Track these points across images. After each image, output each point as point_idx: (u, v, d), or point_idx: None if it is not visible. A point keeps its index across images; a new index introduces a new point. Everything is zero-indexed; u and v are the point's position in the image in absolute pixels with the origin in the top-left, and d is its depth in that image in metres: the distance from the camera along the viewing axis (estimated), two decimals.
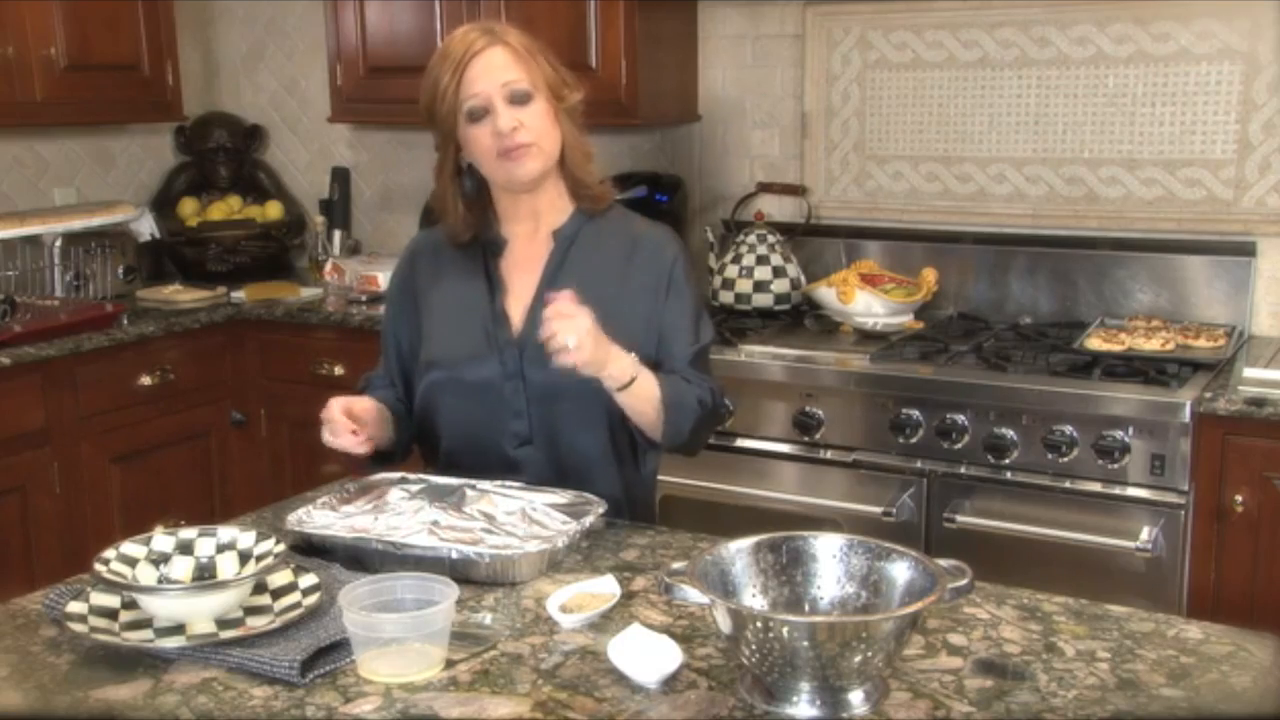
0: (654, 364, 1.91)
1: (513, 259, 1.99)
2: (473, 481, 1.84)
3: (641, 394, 1.84)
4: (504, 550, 1.63)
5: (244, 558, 1.56)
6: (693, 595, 1.31)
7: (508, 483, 1.85)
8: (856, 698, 1.29)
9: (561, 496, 1.82)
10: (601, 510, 1.78)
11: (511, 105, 1.87)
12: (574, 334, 1.72)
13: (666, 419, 1.87)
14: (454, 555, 1.62)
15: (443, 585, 1.43)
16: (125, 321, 3.40)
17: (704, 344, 1.99)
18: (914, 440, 2.74)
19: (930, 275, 3.20)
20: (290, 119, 4.35)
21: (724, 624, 1.30)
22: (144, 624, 1.48)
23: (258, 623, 1.47)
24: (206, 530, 1.60)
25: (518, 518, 1.74)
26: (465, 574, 1.60)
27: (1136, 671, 1.38)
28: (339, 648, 1.42)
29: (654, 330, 1.94)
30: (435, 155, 1.99)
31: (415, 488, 1.87)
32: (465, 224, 1.99)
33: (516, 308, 1.96)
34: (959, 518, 2.65)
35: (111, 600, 1.52)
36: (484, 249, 2.00)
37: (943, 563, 1.36)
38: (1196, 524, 2.54)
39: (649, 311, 1.95)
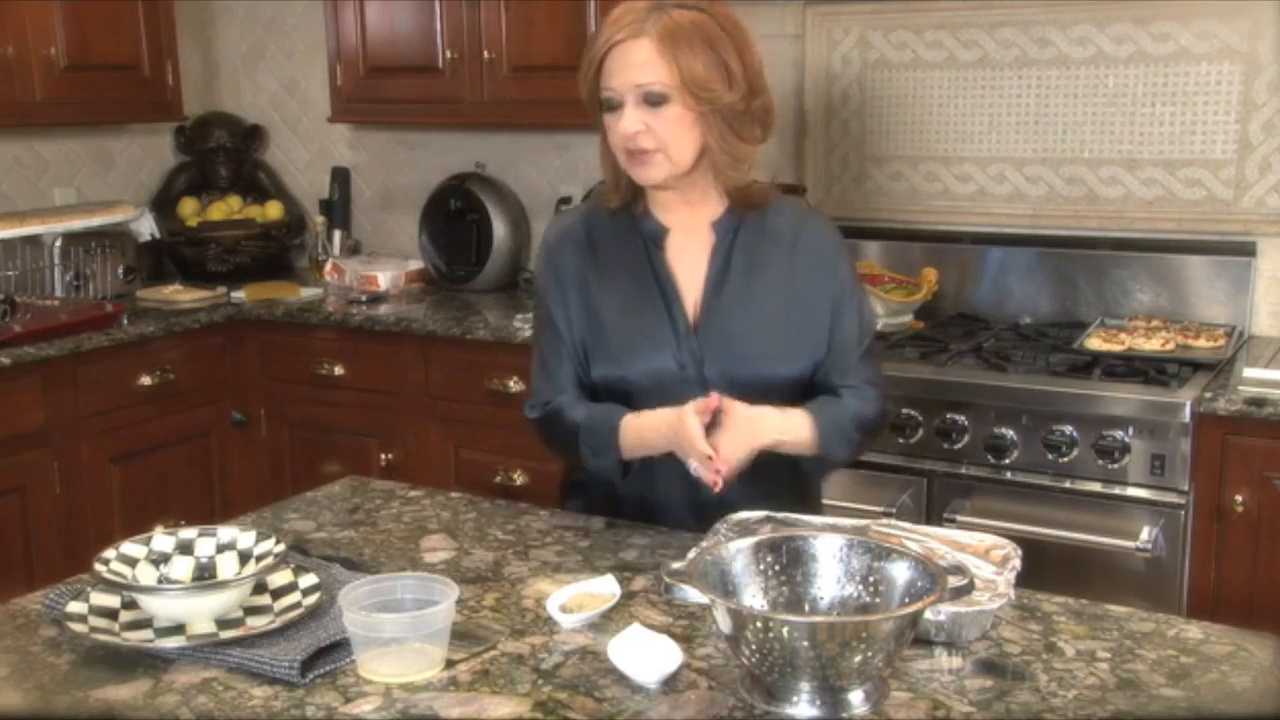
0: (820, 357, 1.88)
1: (675, 250, 1.89)
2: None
3: (790, 442, 1.80)
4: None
5: (244, 558, 1.56)
6: (693, 595, 1.31)
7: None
8: (856, 698, 1.29)
9: None
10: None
11: (643, 106, 1.77)
12: (740, 452, 1.71)
13: (823, 450, 1.83)
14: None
15: (443, 585, 1.43)
16: (125, 321, 3.40)
17: (870, 342, 1.94)
18: (914, 440, 2.74)
19: (930, 275, 3.19)
20: (290, 119, 4.35)
21: (724, 624, 1.30)
22: (144, 624, 1.48)
23: (258, 623, 1.47)
24: (206, 530, 1.60)
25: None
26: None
27: (1136, 671, 1.38)
28: (339, 648, 1.42)
29: (825, 326, 1.88)
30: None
31: None
32: (619, 190, 1.89)
33: (688, 301, 1.87)
34: (959, 518, 2.65)
35: (111, 600, 1.52)
36: (644, 240, 1.90)
37: (943, 563, 1.36)
38: (1196, 524, 2.54)
39: (818, 306, 1.88)
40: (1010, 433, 2.64)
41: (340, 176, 4.17)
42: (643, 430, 1.80)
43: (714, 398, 1.72)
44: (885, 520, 1.82)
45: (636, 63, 1.75)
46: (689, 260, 1.89)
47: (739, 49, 1.79)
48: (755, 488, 1.79)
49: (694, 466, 1.73)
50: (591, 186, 3.53)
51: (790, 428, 1.79)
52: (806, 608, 1.40)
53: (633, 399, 1.85)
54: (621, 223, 1.91)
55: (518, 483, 3.26)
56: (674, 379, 1.82)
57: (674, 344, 1.85)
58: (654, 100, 1.76)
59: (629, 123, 1.77)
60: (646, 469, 1.87)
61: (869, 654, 1.24)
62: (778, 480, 1.86)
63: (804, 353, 1.87)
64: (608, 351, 1.87)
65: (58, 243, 3.64)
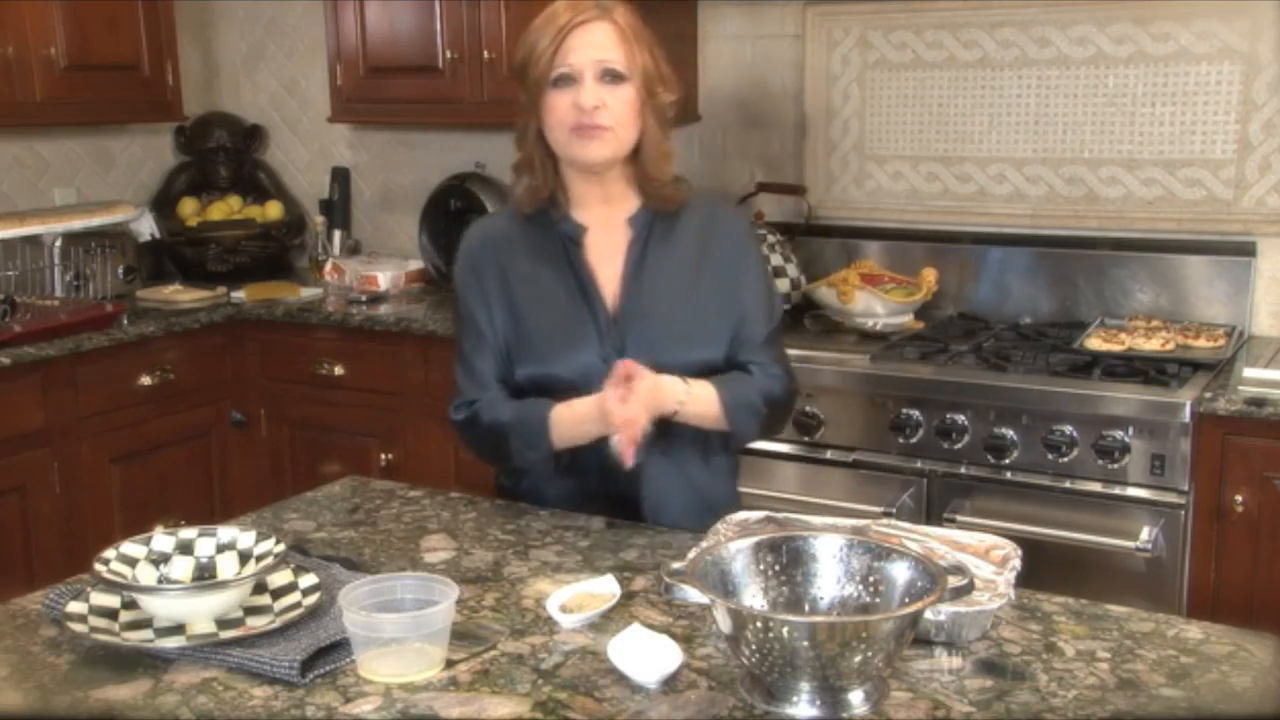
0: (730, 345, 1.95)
1: (594, 247, 1.95)
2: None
3: (695, 412, 1.86)
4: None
5: (244, 558, 1.56)
6: (693, 595, 1.31)
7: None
8: (856, 698, 1.29)
9: None
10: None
11: (601, 83, 1.84)
12: (643, 416, 1.76)
13: (730, 422, 1.89)
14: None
15: (443, 585, 1.43)
16: (125, 321, 3.40)
17: (776, 325, 2.00)
18: (914, 440, 2.74)
19: (930, 275, 3.19)
20: (290, 119, 4.35)
21: (724, 624, 1.30)
22: (144, 624, 1.48)
23: (258, 623, 1.47)
24: (206, 530, 1.60)
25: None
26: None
27: (1136, 671, 1.38)
28: (339, 648, 1.42)
29: (733, 316, 1.95)
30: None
31: None
32: (537, 194, 1.94)
33: (608, 295, 1.93)
34: (959, 518, 2.65)
35: (111, 600, 1.52)
36: (562, 239, 1.95)
37: (943, 562, 1.36)
38: (1196, 524, 2.54)
39: (727, 296, 1.95)
40: (1010, 433, 2.64)
41: (340, 176, 4.17)
42: (575, 418, 1.84)
43: (624, 364, 1.77)
44: (885, 520, 1.83)
45: (598, 42, 1.84)
46: (607, 256, 1.95)
47: (658, 56, 1.91)
48: (669, 464, 1.90)
49: (614, 441, 1.77)
50: None
51: (693, 396, 1.85)
52: (806, 608, 1.40)
53: (559, 395, 1.88)
54: (540, 225, 1.96)
55: None
56: (599, 373, 1.83)
57: (597, 339, 1.90)
58: (613, 78, 1.84)
59: (590, 96, 1.82)
60: (575, 464, 1.92)
61: (869, 654, 1.24)
62: (690, 458, 1.94)
63: (723, 337, 1.94)
64: (533, 350, 1.91)
65: (58, 243, 3.64)
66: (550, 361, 1.90)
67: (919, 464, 2.74)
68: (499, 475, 2.07)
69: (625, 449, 1.76)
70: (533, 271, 1.94)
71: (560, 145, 1.88)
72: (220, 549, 1.58)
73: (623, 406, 1.75)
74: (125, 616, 1.50)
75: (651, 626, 1.45)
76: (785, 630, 1.24)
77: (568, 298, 1.92)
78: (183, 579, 1.55)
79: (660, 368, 1.84)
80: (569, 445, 1.87)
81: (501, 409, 1.91)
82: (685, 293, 1.92)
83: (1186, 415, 2.49)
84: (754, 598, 1.39)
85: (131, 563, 1.53)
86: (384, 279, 3.74)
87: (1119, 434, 2.54)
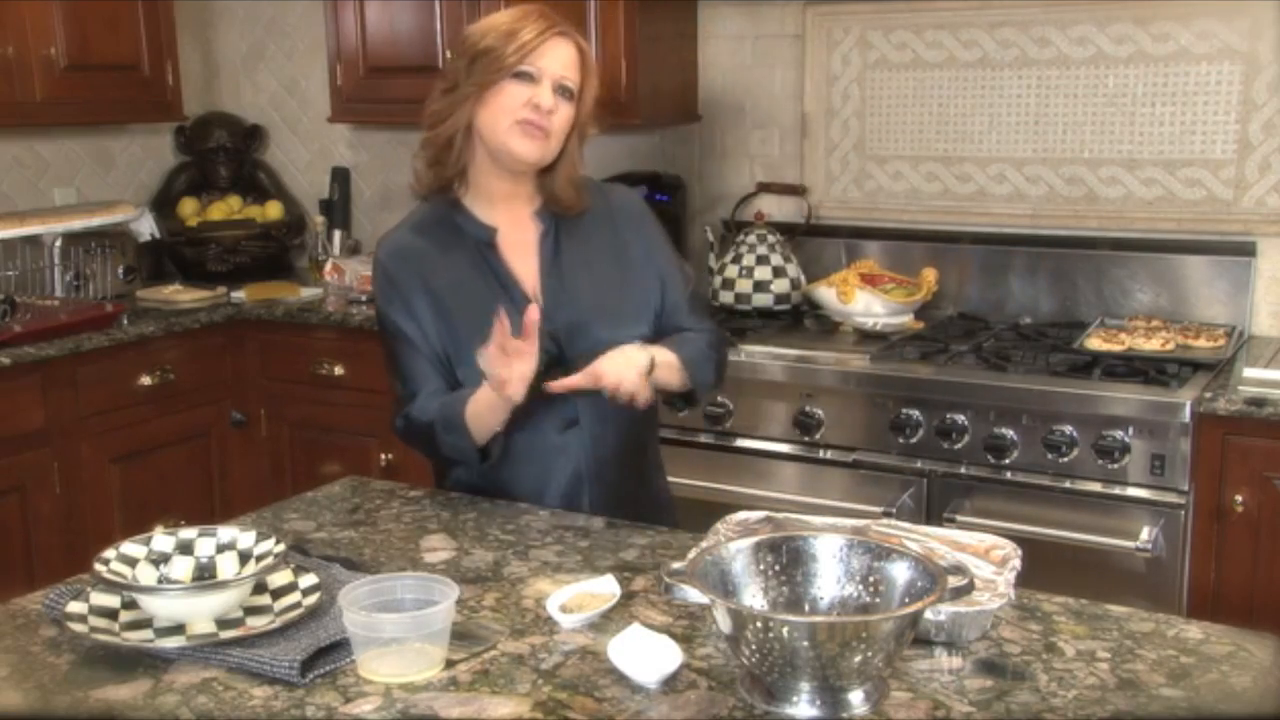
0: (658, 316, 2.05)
1: (507, 246, 1.99)
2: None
3: (664, 370, 1.93)
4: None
5: (244, 558, 1.56)
6: (693, 595, 1.31)
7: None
8: (856, 698, 1.29)
9: None
10: None
11: (555, 94, 1.91)
12: (631, 372, 1.84)
13: (692, 376, 1.98)
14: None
15: (443, 585, 1.43)
16: (125, 321, 3.40)
17: (692, 284, 2.11)
18: (914, 440, 2.74)
19: (930, 275, 3.20)
20: (290, 119, 4.35)
21: (724, 624, 1.30)
22: (144, 624, 1.48)
23: (258, 623, 1.47)
24: (206, 530, 1.60)
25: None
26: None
27: (1136, 671, 1.38)
28: (339, 648, 1.42)
29: (654, 287, 2.04)
30: (438, 106, 1.97)
31: None
32: (439, 177, 1.98)
33: (529, 290, 1.97)
34: (959, 518, 2.65)
35: (111, 600, 1.52)
36: (474, 242, 1.98)
37: (942, 563, 1.36)
38: (1196, 524, 2.54)
39: (644, 269, 2.04)
40: (1010, 433, 2.64)
41: (340, 176, 4.17)
42: (476, 405, 1.86)
43: (532, 310, 1.77)
44: (885, 520, 1.83)
45: (565, 59, 1.93)
46: (521, 252, 2.00)
47: (595, 96, 2.01)
48: (607, 431, 1.98)
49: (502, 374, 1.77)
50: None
51: (657, 351, 1.93)
52: (806, 608, 1.40)
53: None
54: (446, 230, 1.99)
55: None
56: (540, 373, 1.83)
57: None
58: (565, 94, 1.93)
59: (547, 98, 1.89)
60: (507, 459, 1.96)
61: (869, 654, 1.24)
62: (624, 425, 1.99)
63: (647, 310, 2.03)
64: (468, 355, 1.89)
65: (58, 243, 3.64)
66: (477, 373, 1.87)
67: (919, 464, 2.74)
68: (440, 476, 2.10)
69: (516, 388, 1.77)
70: (452, 278, 1.96)
71: (497, 133, 1.91)
72: (220, 549, 1.58)
73: (498, 363, 1.76)
74: (125, 616, 1.50)
75: (651, 626, 1.45)
76: (785, 630, 1.24)
77: (492, 299, 1.90)
78: (183, 579, 1.55)
79: (596, 351, 1.88)
80: (485, 430, 1.88)
81: (429, 407, 1.92)
82: (605, 274, 2.00)
83: (1186, 415, 2.49)
84: (754, 598, 1.39)
85: (131, 563, 1.53)
86: None
87: (1119, 434, 2.54)
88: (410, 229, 2.02)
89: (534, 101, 1.88)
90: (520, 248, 1.99)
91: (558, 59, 1.92)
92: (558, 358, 1.91)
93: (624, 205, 2.09)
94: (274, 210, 4.21)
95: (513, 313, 1.81)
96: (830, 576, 1.40)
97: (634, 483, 2.07)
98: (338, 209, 4.14)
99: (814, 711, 1.28)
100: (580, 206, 2.02)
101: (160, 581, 1.54)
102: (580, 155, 2.02)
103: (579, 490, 2.00)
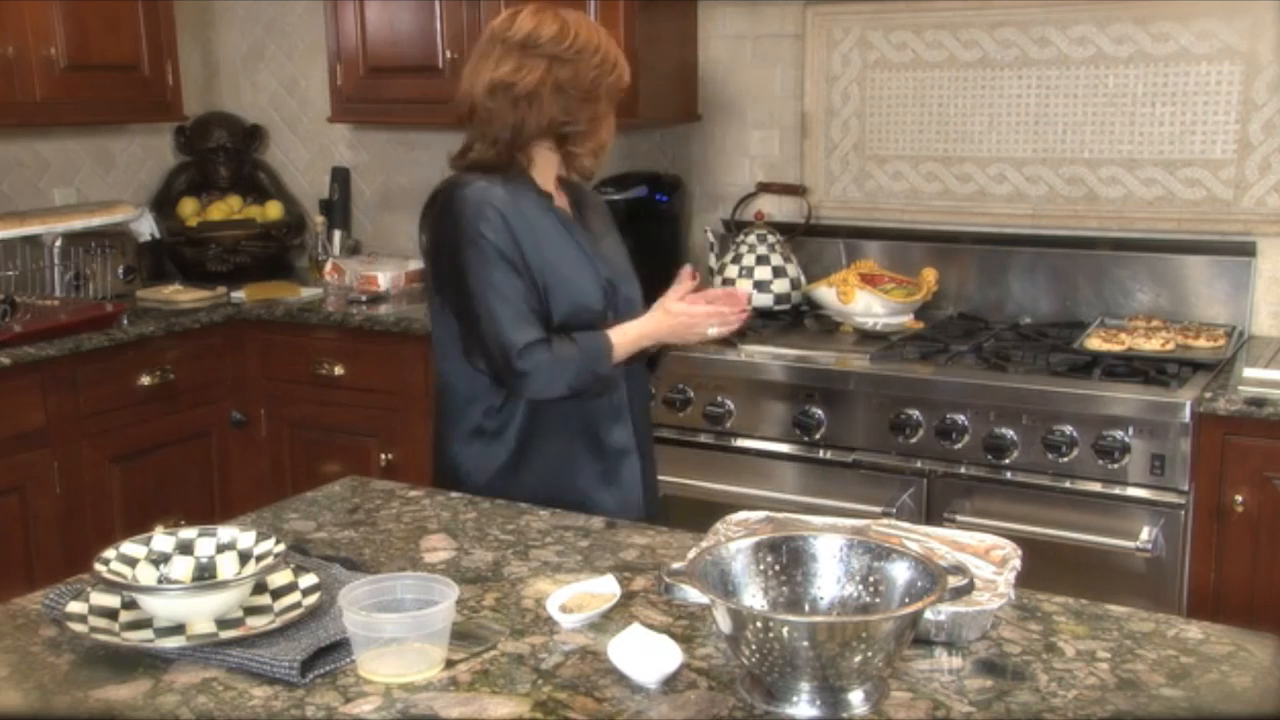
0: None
1: (562, 211, 2.22)
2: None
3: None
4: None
5: (244, 558, 1.56)
6: (693, 595, 1.31)
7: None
8: (856, 698, 1.29)
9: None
10: None
11: None
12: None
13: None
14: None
15: (443, 585, 1.43)
16: (125, 321, 3.39)
17: None
18: (914, 440, 2.74)
19: (930, 275, 3.20)
20: (290, 119, 4.35)
21: (724, 624, 1.30)
22: (144, 624, 1.48)
23: (258, 623, 1.47)
24: (206, 530, 1.60)
25: None
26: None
27: (1136, 671, 1.38)
28: (339, 648, 1.42)
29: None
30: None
31: None
32: (498, 159, 2.16)
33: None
34: (959, 518, 2.65)
35: (111, 600, 1.52)
36: (542, 202, 2.17)
37: (943, 563, 1.36)
38: (1196, 524, 2.54)
39: (624, 251, 2.33)
40: (1010, 433, 2.64)
41: (340, 176, 4.17)
42: (638, 339, 2.16)
43: (686, 268, 2.24)
44: (885, 520, 1.83)
45: None
46: (568, 216, 2.24)
47: None
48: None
49: (713, 331, 2.19)
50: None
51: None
52: (806, 608, 1.40)
53: (566, 329, 2.13)
54: (521, 191, 2.16)
55: None
56: (596, 308, 2.15)
57: (594, 277, 2.17)
58: None
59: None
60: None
61: (869, 654, 1.24)
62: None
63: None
64: (576, 299, 2.14)
65: (58, 243, 3.64)
66: (588, 307, 2.14)
67: (919, 464, 2.74)
68: (442, 472, 2.24)
69: (739, 316, 2.21)
70: (534, 225, 2.13)
71: (600, 153, 2.20)
72: (220, 549, 1.58)
73: (703, 307, 2.17)
74: (125, 616, 1.50)
75: (651, 626, 1.45)
76: (785, 630, 1.24)
77: (568, 245, 2.15)
78: (183, 579, 1.55)
79: (628, 298, 2.22)
80: (623, 361, 2.15)
81: (562, 344, 2.09)
82: (615, 245, 2.30)
83: (1186, 415, 2.49)
84: (754, 598, 1.39)
85: (131, 563, 1.53)
86: (384, 279, 3.75)
87: (1119, 434, 2.54)
88: (496, 184, 2.13)
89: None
90: (565, 212, 2.22)
91: None
92: (612, 301, 2.19)
93: (600, 201, 2.41)
94: (274, 210, 4.21)
95: (583, 256, 2.17)
96: (830, 576, 1.40)
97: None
98: (338, 209, 4.14)
99: (814, 711, 1.28)
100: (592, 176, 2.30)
101: (160, 581, 1.54)
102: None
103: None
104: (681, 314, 2.16)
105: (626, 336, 2.14)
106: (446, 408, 2.23)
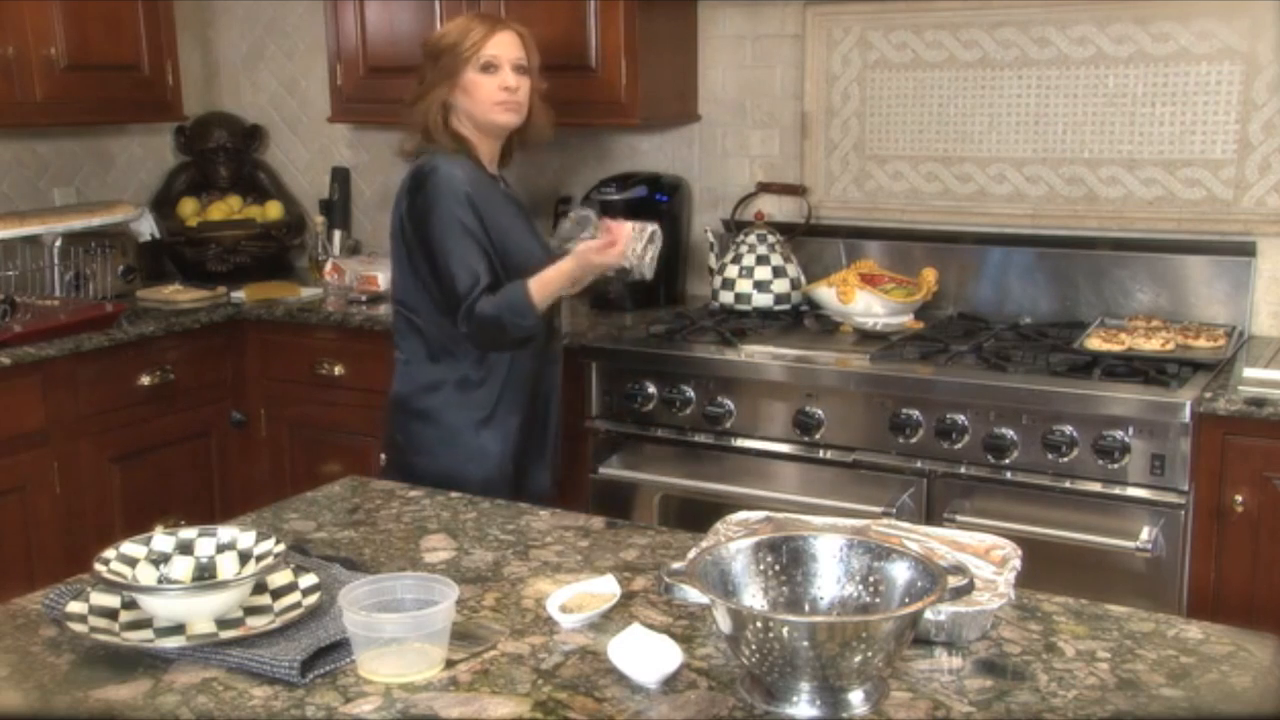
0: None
1: (507, 189, 2.68)
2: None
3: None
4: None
5: (244, 558, 1.56)
6: (693, 595, 1.31)
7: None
8: (856, 698, 1.29)
9: None
10: None
11: (514, 73, 2.57)
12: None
13: None
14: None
15: (443, 585, 1.43)
16: (125, 321, 3.39)
17: None
18: (914, 440, 2.74)
19: (930, 275, 3.20)
20: (290, 119, 4.35)
21: (724, 624, 1.30)
22: (144, 624, 1.48)
23: (258, 623, 1.47)
24: (206, 530, 1.60)
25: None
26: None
27: (1136, 671, 1.38)
28: (339, 648, 1.42)
29: None
30: (418, 94, 2.60)
31: None
32: (446, 137, 2.58)
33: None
34: (959, 518, 2.65)
35: (111, 600, 1.52)
36: (496, 182, 2.62)
37: (943, 563, 1.36)
38: (1196, 524, 2.54)
39: None
40: (1010, 433, 2.64)
41: (340, 176, 4.17)
42: (548, 281, 2.48)
43: (604, 222, 2.56)
44: (885, 520, 1.83)
45: (512, 44, 2.59)
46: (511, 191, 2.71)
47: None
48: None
49: (608, 259, 2.49)
50: (593, 185, 3.53)
51: None
52: (806, 608, 1.40)
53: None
54: (472, 168, 2.56)
55: None
56: (543, 264, 2.53)
57: (534, 237, 2.64)
58: (521, 70, 2.58)
59: (512, 79, 2.56)
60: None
61: (869, 654, 1.24)
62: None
63: None
64: (524, 265, 2.52)
65: (58, 243, 3.64)
66: (517, 263, 2.52)
67: (919, 464, 2.74)
68: (391, 463, 2.63)
69: (620, 249, 2.49)
70: (490, 201, 2.54)
71: (483, 113, 2.56)
72: (220, 549, 1.58)
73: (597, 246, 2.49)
74: (125, 616, 1.50)
75: (651, 626, 1.45)
76: (785, 630, 1.24)
77: (519, 220, 2.61)
78: (183, 579, 1.55)
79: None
80: (547, 304, 2.50)
81: (490, 301, 2.45)
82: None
83: (1186, 415, 2.49)
84: (754, 598, 1.39)
85: (131, 563, 1.53)
86: (384, 279, 3.73)
87: (1119, 434, 2.54)
88: (460, 164, 2.54)
89: (503, 85, 2.55)
90: (510, 190, 2.69)
91: (508, 45, 2.57)
92: (546, 251, 2.60)
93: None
94: (274, 210, 4.21)
95: (530, 227, 2.65)
96: (830, 576, 1.40)
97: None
98: (338, 209, 4.14)
99: (814, 711, 1.28)
100: (544, 140, 2.74)
101: (160, 581, 1.54)
102: (543, 106, 2.67)
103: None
104: (580, 249, 2.49)
105: (544, 278, 2.48)
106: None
